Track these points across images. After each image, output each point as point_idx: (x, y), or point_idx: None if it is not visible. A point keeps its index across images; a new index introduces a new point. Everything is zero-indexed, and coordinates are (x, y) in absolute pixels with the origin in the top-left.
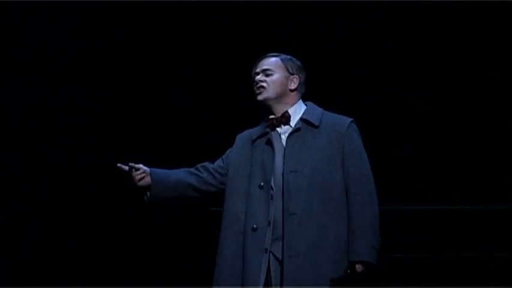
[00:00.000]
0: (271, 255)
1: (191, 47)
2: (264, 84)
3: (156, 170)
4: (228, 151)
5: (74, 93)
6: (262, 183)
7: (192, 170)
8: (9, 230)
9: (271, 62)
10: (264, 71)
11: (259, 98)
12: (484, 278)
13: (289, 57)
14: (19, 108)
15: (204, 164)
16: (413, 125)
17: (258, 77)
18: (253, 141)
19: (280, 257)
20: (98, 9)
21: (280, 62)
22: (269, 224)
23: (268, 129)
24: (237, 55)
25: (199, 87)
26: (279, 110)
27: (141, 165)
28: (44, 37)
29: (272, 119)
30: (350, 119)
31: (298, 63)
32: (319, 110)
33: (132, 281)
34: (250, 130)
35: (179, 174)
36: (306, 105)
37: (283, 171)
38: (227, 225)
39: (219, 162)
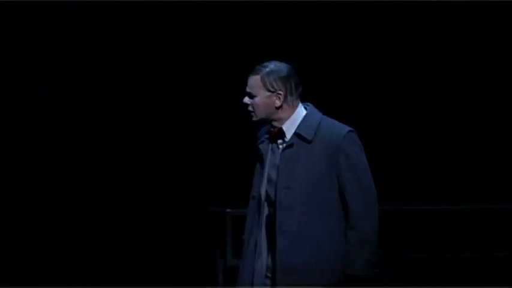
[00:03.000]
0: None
1: (191, 47)
2: (250, 108)
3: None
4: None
5: (74, 93)
6: (254, 194)
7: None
8: (9, 230)
9: (252, 83)
10: (248, 93)
11: (252, 120)
12: (484, 278)
13: (270, 69)
14: (19, 108)
15: None
16: (413, 125)
17: (245, 100)
18: (260, 147)
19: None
20: (98, 9)
21: (259, 81)
22: (257, 235)
23: (269, 141)
24: (237, 55)
25: (200, 87)
26: (276, 124)
27: None
28: (44, 37)
29: (271, 131)
30: (347, 129)
31: (282, 73)
32: (317, 119)
33: (132, 281)
34: (264, 130)
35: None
36: (306, 109)
37: (276, 187)
38: None
39: None
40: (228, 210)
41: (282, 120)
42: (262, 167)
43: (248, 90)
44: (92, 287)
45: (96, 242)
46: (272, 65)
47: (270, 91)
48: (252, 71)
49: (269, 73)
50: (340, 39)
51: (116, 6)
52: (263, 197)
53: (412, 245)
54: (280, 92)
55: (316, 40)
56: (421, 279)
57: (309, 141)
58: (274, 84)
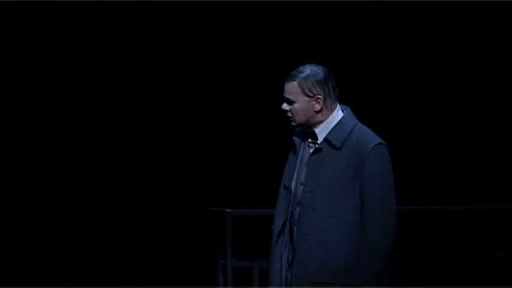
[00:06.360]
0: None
1: (191, 48)
2: (289, 114)
3: None
4: None
5: (75, 94)
6: (286, 184)
7: None
8: (9, 230)
9: (290, 88)
10: (286, 99)
11: (292, 125)
12: (484, 278)
13: (306, 74)
14: (19, 108)
15: None
16: (413, 126)
17: (283, 106)
18: (295, 139)
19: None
20: (97, 9)
21: (297, 87)
22: (289, 223)
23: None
24: (239, 55)
25: (201, 87)
26: (312, 128)
27: None
28: (44, 37)
29: (305, 132)
30: (377, 141)
31: (319, 76)
32: (350, 125)
33: (132, 281)
34: (299, 130)
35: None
36: (343, 111)
37: (302, 189)
38: None
39: None
40: (228, 210)
41: (316, 124)
42: (295, 159)
43: (286, 96)
44: (92, 287)
45: (95, 242)
46: (308, 70)
47: (308, 96)
48: (287, 77)
49: (306, 78)
50: (339, 39)
51: (115, 6)
52: (293, 191)
53: (412, 245)
54: (319, 96)
55: (315, 40)
56: (421, 279)
57: (337, 148)
58: (313, 89)
